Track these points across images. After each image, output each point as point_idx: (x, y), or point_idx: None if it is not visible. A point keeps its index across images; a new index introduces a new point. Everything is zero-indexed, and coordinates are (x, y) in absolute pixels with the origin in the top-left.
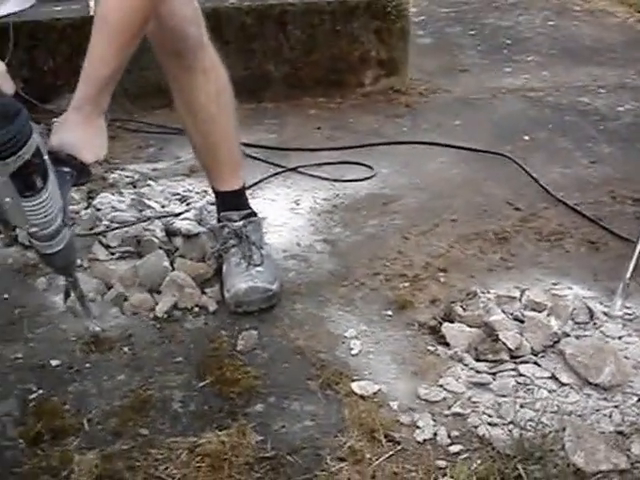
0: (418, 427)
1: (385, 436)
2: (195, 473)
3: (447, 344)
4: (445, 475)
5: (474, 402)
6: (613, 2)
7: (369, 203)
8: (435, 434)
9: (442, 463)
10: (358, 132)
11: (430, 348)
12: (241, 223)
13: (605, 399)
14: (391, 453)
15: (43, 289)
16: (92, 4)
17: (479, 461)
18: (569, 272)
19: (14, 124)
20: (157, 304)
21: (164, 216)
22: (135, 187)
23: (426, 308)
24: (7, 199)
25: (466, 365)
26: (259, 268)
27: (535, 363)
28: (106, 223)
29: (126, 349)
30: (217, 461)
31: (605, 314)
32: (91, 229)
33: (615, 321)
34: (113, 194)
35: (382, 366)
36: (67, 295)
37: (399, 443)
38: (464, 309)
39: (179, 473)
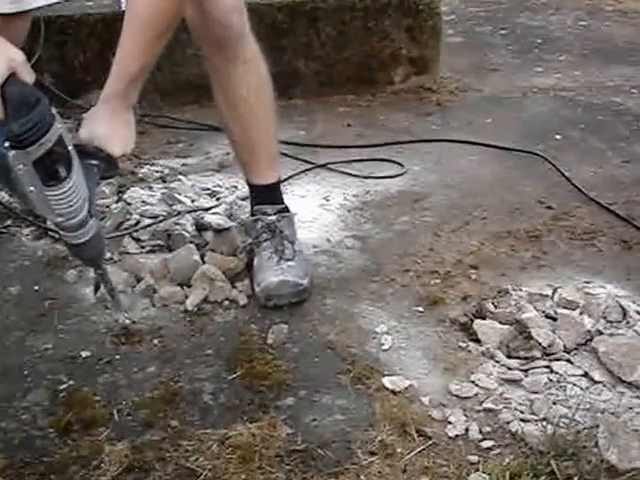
0: (450, 422)
1: (416, 431)
2: (226, 465)
3: (478, 341)
4: (477, 470)
5: (506, 398)
6: None
7: (399, 200)
8: (467, 429)
9: (474, 458)
10: (388, 130)
11: (461, 344)
12: (275, 217)
13: (638, 397)
14: (422, 448)
15: (73, 281)
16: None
17: (511, 457)
18: (601, 271)
19: (34, 112)
20: (187, 297)
21: (194, 210)
22: (165, 182)
23: (457, 305)
24: (31, 188)
25: (497, 362)
26: (290, 263)
27: (568, 361)
28: (136, 217)
29: (156, 341)
30: (248, 453)
31: (638, 313)
32: (121, 223)
33: None
34: (143, 188)
35: (413, 361)
36: (97, 288)
37: (430, 438)
38: (495, 306)
39: (210, 464)
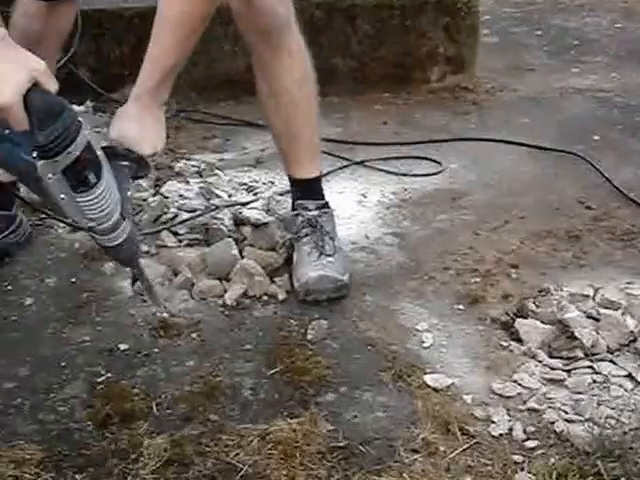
0: (493, 421)
1: (459, 429)
2: (266, 460)
3: (520, 340)
4: (522, 470)
5: (549, 398)
6: None
7: (438, 198)
8: (510, 429)
9: (518, 458)
10: (424, 128)
11: (503, 343)
12: (316, 213)
13: None
14: (466, 446)
15: (111, 274)
16: None
17: (557, 457)
18: None
19: (59, 122)
20: (225, 291)
21: (232, 205)
22: (201, 176)
23: (498, 303)
24: (62, 196)
25: (540, 361)
26: (330, 258)
27: (611, 361)
28: (174, 211)
29: (194, 335)
30: (289, 449)
31: None
32: (159, 216)
33: None
34: (180, 182)
35: (455, 360)
36: (134, 281)
37: (474, 437)
38: (537, 305)
39: (250, 460)
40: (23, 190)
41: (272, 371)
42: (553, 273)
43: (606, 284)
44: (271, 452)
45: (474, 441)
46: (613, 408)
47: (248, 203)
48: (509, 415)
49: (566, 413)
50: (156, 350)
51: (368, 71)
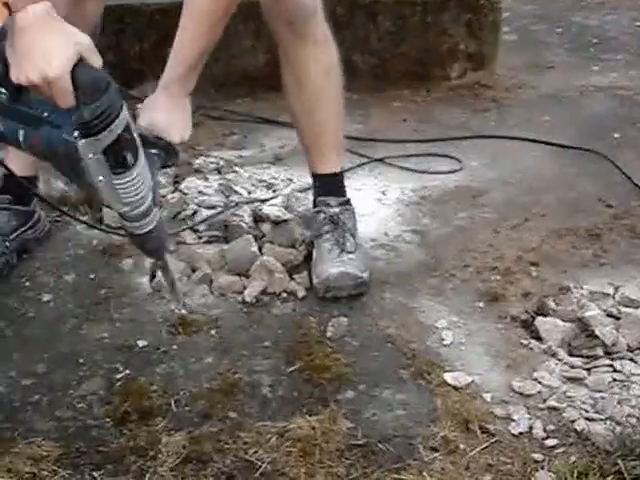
0: (513, 420)
1: (479, 427)
2: (285, 458)
3: (540, 338)
4: (542, 468)
5: (569, 397)
6: None
7: (458, 196)
8: (530, 427)
9: (539, 457)
10: (444, 125)
11: (523, 341)
12: (338, 210)
13: None
14: (486, 445)
15: (129, 270)
16: None
17: (577, 456)
18: None
19: (104, 97)
20: (245, 288)
21: (252, 201)
22: (220, 173)
23: (518, 301)
24: (100, 177)
25: (560, 360)
26: (351, 255)
27: (631, 360)
28: (193, 207)
29: (213, 332)
30: (308, 447)
31: None
32: (178, 213)
33: None
34: (199, 179)
35: (475, 358)
36: (153, 276)
37: (494, 435)
38: (557, 304)
39: (269, 457)
40: (42, 187)
41: (291, 368)
42: (573, 271)
43: (626, 282)
44: (290, 450)
45: (494, 439)
46: (634, 406)
47: (267, 200)
48: (529, 413)
49: (586, 412)
50: (174, 347)
51: (388, 68)
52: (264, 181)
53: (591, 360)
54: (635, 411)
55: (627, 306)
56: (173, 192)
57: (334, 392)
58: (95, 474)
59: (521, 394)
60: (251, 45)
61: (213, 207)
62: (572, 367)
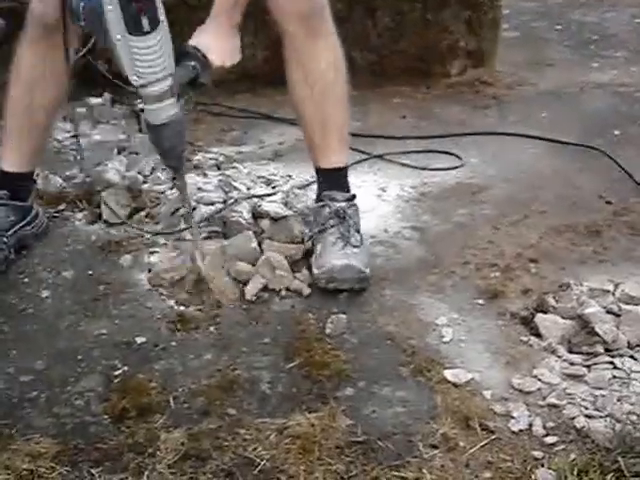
0: (513, 417)
1: (479, 425)
2: (285, 455)
3: (539, 335)
4: (542, 466)
5: (569, 394)
6: None
7: (457, 192)
8: (530, 425)
9: (538, 454)
10: (444, 122)
11: (523, 338)
12: (344, 204)
13: None
14: (485, 442)
15: (128, 266)
16: None
17: (577, 453)
18: None
19: None
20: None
21: (252, 197)
22: (219, 169)
23: (518, 298)
24: (118, 36)
25: (560, 357)
26: (356, 249)
27: (631, 357)
28: (192, 203)
29: (212, 329)
30: (307, 444)
31: None
32: (177, 209)
33: None
34: (198, 175)
35: (475, 355)
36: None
37: (493, 432)
38: (557, 300)
39: (268, 454)
40: (40, 182)
41: (290, 365)
42: (573, 268)
43: (626, 279)
44: (289, 447)
45: (494, 437)
46: (634, 404)
47: (267, 196)
48: (529, 410)
49: (586, 409)
50: (173, 343)
51: (388, 64)
52: (263, 177)
53: (591, 357)
54: (635, 408)
55: (627, 303)
56: (172, 188)
57: (333, 389)
58: (93, 471)
59: (521, 391)
60: (250, 42)
61: (212, 203)
62: (572, 364)
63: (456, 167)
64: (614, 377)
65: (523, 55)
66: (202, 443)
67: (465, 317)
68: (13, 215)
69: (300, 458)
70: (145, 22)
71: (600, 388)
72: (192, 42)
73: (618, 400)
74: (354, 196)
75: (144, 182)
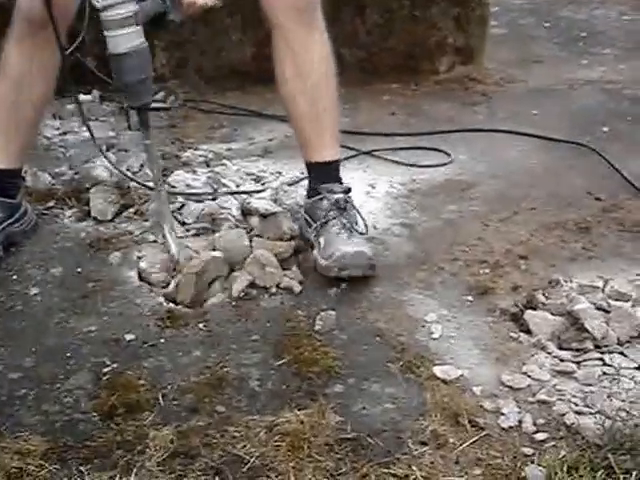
0: (502, 414)
1: (469, 421)
2: (274, 452)
3: (529, 331)
4: (532, 462)
5: (559, 390)
6: None
7: (446, 189)
8: (520, 421)
9: (528, 450)
10: (433, 119)
11: (512, 335)
12: (342, 195)
13: None
14: (475, 439)
15: (117, 264)
16: None
17: (567, 450)
18: None
19: None
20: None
21: (241, 192)
22: (209, 166)
23: (507, 295)
24: None
25: (549, 353)
26: (362, 238)
27: (621, 353)
28: (181, 200)
29: (201, 326)
30: (296, 441)
31: None
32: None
33: None
34: (187, 172)
35: (464, 351)
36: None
37: (483, 429)
38: (546, 297)
39: (257, 452)
40: (29, 179)
41: (279, 362)
42: (562, 264)
43: (616, 275)
44: (278, 444)
45: (483, 433)
46: (624, 400)
47: (256, 192)
48: (519, 407)
49: (576, 405)
50: (162, 340)
51: (377, 61)
52: (253, 174)
53: (581, 353)
54: (625, 405)
55: (617, 299)
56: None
57: (323, 386)
58: (82, 469)
59: (511, 388)
60: (239, 39)
61: (201, 201)
62: (562, 360)
63: (445, 164)
64: (604, 374)
65: (512, 52)
66: (191, 440)
67: (455, 314)
68: (1, 212)
69: (289, 455)
70: None
71: (590, 384)
72: None
73: (608, 397)
74: (350, 189)
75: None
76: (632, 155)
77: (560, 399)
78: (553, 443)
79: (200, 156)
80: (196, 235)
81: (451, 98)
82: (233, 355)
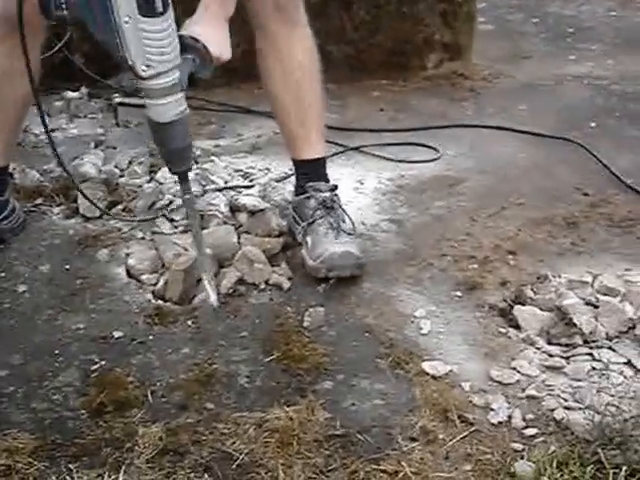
0: (492, 409)
1: (458, 417)
2: (263, 449)
3: (518, 327)
4: (522, 458)
5: (548, 385)
6: None
7: (435, 184)
8: (509, 416)
9: (518, 446)
10: (422, 114)
11: (501, 330)
12: (328, 194)
13: None
14: (465, 434)
15: (105, 261)
16: None
17: (557, 445)
18: None
19: None
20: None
21: (229, 189)
22: (197, 163)
23: (496, 290)
24: (126, 18)
25: (538, 348)
26: (350, 237)
27: (610, 348)
28: (169, 197)
29: (190, 322)
30: (286, 437)
31: None
32: (154, 203)
33: None
34: None
35: (453, 347)
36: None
37: (473, 424)
38: (535, 292)
39: (246, 448)
40: (17, 176)
41: (268, 358)
42: (551, 260)
43: (604, 271)
44: (268, 440)
45: (473, 429)
46: (613, 395)
47: (245, 188)
48: (508, 402)
49: (565, 400)
50: (151, 337)
51: (365, 58)
52: (241, 170)
53: (570, 349)
54: (614, 400)
55: (605, 294)
56: (149, 182)
57: (312, 382)
58: (71, 466)
59: (500, 383)
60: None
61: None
62: (551, 356)
63: (433, 159)
64: (593, 369)
65: (500, 48)
66: (180, 437)
67: (443, 309)
68: None
69: (279, 452)
70: (158, 2)
71: (579, 380)
72: (186, 31)
73: (597, 392)
74: (336, 186)
75: (121, 176)
76: (620, 150)
77: (549, 394)
78: (543, 438)
79: None
80: (184, 232)
81: (439, 94)
82: (222, 352)
